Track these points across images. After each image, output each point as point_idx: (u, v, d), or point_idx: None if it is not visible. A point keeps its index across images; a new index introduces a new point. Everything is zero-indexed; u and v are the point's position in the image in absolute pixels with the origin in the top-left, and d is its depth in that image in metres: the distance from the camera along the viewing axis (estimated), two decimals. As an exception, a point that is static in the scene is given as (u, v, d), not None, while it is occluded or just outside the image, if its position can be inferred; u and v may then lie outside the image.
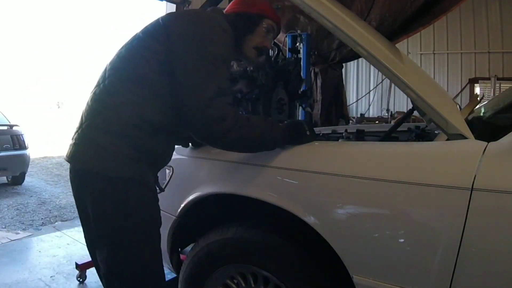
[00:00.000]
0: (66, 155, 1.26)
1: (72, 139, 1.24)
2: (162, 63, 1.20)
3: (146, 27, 1.28)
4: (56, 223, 4.13)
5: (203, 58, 1.16)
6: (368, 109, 8.73)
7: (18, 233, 3.70)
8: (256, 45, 1.38)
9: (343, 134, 1.75)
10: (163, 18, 1.27)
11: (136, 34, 1.29)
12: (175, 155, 1.62)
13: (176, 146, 1.58)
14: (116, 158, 1.17)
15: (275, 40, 1.83)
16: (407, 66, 1.50)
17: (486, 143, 1.01)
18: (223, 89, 1.17)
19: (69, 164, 1.29)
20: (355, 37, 1.19)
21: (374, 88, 8.49)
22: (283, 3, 3.29)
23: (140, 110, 1.19)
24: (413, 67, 1.78)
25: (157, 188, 1.36)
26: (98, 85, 1.25)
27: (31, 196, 5.26)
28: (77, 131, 1.23)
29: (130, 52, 1.25)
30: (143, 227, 1.22)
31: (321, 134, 2.00)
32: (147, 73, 1.20)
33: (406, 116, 1.86)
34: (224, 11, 1.41)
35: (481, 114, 1.80)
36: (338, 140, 1.62)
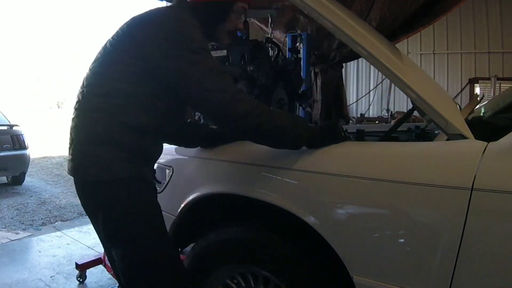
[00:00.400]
0: (68, 169, 1.30)
1: (69, 154, 1.29)
2: (139, 75, 1.21)
3: (113, 38, 1.27)
4: (56, 223, 4.13)
5: (191, 59, 1.16)
6: (368, 109, 8.72)
7: (18, 233, 3.70)
8: (229, 30, 1.35)
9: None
10: (128, 26, 1.25)
11: (105, 47, 1.28)
12: (175, 155, 1.62)
13: (175, 147, 1.59)
14: (112, 163, 1.21)
15: (274, 40, 1.83)
16: (407, 66, 1.50)
17: (486, 143, 1.01)
18: (224, 75, 1.18)
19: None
20: (355, 37, 1.19)
21: (374, 88, 8.49)
22: (283, 3, 3.29)
23: (123, 119, 1.21)
24: (413, 67, 1.78)
25: (156, 182, 1.39)
26: (78, 101, 1.28)
27: (31, 196, 5.26)
28: (70, 147, 1.28)
29: (103, 67, 1.26)
30: (151, 218, 1.27)
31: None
32: (123, 87, 1.22)
33: (406, 116, 1.86)
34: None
35: (481, 114, 1.80)
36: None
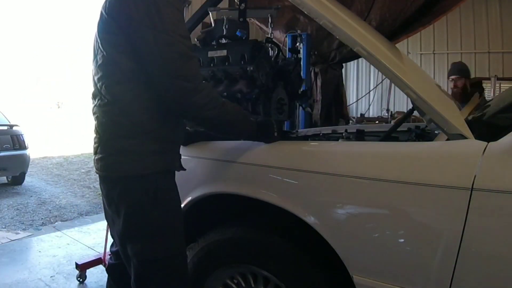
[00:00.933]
0: (97, 169, 1.29)
1: (96, 153, 1.27)
2: (130, 56, 1.19)
3: (98, 26, 1.24)
4: (56, 223, 4.13)
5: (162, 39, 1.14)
6: (368, 109, 8.71)
7: (18, 233, 3.70)
8: None
9: (343, 134, 1.75)
10: (104, 7, 1.22)
11: (96, 39, 1.26)
12: (175, 155, 1.62)
13: None
14: (144, 157, 1.22)
15: (274, 40, 1.83)
16: (407, 66, 1.50)
17: (486, 143, 1.01)
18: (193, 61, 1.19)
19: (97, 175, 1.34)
20: (355, 37, 1.19)
21: (374, 88, 8.47)
22: (283, 3, 3.29)
23: (143, 104, 1.22)
24: (413, 67, 1.78)
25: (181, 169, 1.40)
26: (95, 98, 1.28)
27: (31, 196, 5.26)
28: (98, 145, 1.27)
29: (105, 58, 1.23)
30: (175, 213, 1.31)
31: (321, 134, 2.00)
32: (128, 72, 1.21)
33: (406, 116, 1.86)
34: None
35: (481, 114, 1.80)
36: (338, 140, 1.62)
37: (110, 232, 1.49)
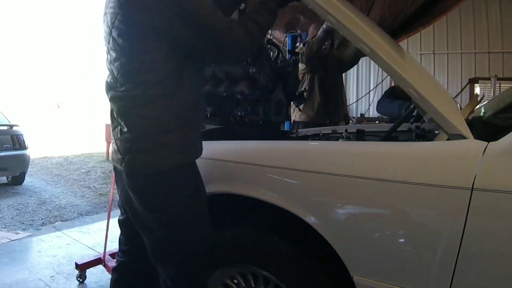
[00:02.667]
0: (121, 165, 1.24)
1: (127, 153, 1.22)
2: (159, 48, 1.17)
3: (112, 22, 1.19)
4: (56, 223, 4.13)
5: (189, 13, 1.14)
6: (368, 109, 8.71)
7: (18, 233, 3.70)
8: None
9: (343, 134, 1.75)
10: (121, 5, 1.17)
11: (107, 32, 1.22)
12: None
13: None
14: (186, 148, 1.24)
15: (275, 41, 1.83)
16: (409, 64, 1.49)
17: (486, 143, 1.02)
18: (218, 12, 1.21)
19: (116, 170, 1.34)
20: (358, 33, 1.19)
21: (374, 88, 8.47)
22: (283, 3, 3.28)
23: (182, 97, 1.22)
24: (414, 65, 1.77)
25: None
26: (116, 93, 1.24)
27: (31, 196, 5.26)
28: (130, 144, 1.22)
29: (126, 57, 1.20)
30: (207, 198, 1.32)
31: (321, 134, 2.00)
32: (165, 71, 1.20)
33: (406, 116, 1.85)
34: None
35: (481, 114, 1.80)
36: (338, 140, 1.62)
37: (124, 229, 1.47)
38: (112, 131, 1.31)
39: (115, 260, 1.62)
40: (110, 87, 1.28)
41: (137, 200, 1.25)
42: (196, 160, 1.30)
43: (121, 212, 1.47)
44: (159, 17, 1.14)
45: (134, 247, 1.46)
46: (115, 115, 1.27)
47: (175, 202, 1.23)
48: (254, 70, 1.55)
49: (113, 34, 1.20)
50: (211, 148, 1.51)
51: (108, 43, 1.24)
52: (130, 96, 1.21)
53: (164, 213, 1.24)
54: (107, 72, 1.29)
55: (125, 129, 1.23)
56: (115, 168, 1.35)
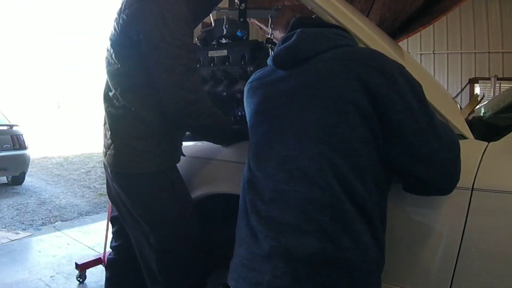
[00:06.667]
0: (109, 164, 1.34)
1: (109, 148, 1.33)
2: (139, 70, 1.26)
3: (111, 40, 1.30)
4: (56, 223, 4.13)
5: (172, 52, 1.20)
6: (368, 109, 8.71)
7: (18, 233, 3.70)
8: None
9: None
10: (117, 22, 1.27)
11: (110, 51, 1.31)
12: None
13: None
14: (157, 156, 1.31)
15: (275, 41, 1.83)
16: (408, 64, 1.49)
17: (486, 143, 1.01)
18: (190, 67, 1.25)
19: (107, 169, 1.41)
20: (358, 33, 1.19)
21: (374, 88, 8.46)
22: (283, 3, 3.28)
23: (154, 109, 1.28)
24: (414, 65, 1.77)
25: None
26: (111, 100, 1.34)
27: (31, 196, 5.26)
28: (112, 142, 1.32)
29: (119, 70, 1.29)
30: (190, 203, 1.41)
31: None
32: (139, 83, 1.28)
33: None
34: None
35: (481, 114, 1.80)
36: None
37: (115, 226, 1.51)
38: (103, 126, 1.40)
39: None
40: (105, 89, 1.39)
41: (121, 194, 1.36)
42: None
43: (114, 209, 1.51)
44: (146, 29, 1.20)
45: (124, 242, 1.50)
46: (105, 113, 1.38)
47: (151, 204, 1.32)
48: (252, 69, 1.55)
49: (112, 55, 1.31)
50: (210, 148, 1.51)
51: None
52: (115, 99, 1.32)
53: (144, 210, 1.33)
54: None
55: (110, 129, 1.33)
56: (104, 164, 1.42)
